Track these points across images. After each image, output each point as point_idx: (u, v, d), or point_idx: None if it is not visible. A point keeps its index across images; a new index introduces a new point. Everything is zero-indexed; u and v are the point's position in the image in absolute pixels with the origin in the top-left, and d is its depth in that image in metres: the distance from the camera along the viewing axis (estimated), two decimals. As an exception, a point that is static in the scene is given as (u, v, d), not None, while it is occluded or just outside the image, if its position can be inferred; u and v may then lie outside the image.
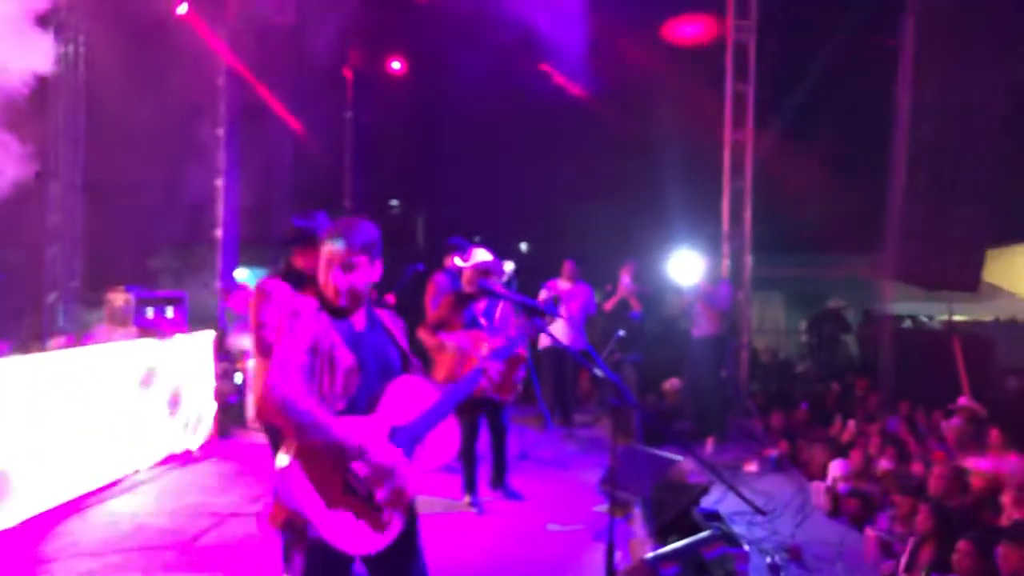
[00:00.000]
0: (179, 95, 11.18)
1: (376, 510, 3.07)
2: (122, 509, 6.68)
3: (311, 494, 2.96)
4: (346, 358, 3.09)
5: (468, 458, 6.79)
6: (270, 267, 11.29)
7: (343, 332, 3.13)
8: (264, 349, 4.89)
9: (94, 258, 11.12)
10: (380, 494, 3.07)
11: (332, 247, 3.13)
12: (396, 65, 14.95)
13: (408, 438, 3.15)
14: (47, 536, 6.00)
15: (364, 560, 3.18)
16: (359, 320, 3.21)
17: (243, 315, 9.78)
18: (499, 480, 7.14)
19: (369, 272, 3.17)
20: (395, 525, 3.12)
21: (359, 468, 3.03)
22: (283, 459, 3.00)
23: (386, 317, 3.35)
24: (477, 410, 6.72)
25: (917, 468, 7.17)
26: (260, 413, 3.09)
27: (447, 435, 3.28)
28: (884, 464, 7.45)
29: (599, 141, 14.67)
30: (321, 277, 3.16)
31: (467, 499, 6.80)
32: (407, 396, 3.19)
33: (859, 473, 7.32)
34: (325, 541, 2.99)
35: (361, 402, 3.12)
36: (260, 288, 5.08)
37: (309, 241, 4.93)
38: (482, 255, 6.66)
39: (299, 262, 5.10)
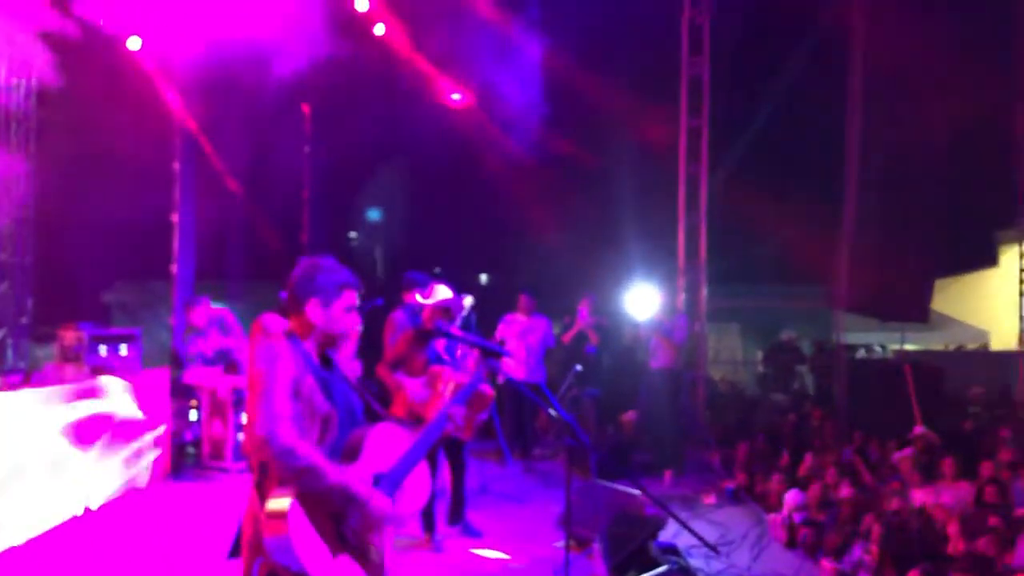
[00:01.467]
0: (133, 128, 11.12)
1: (365, 561, 3.03)
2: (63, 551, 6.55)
3: (314, 545, 2.88)
4: (322, 404, 3.04)
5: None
6: (226, 302, 11.20)
7: (317, 376, 3.08)
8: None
9: (45, 293, 10.95)
10: (373, 542, 3.04)
11: (353, 292, 3.15)
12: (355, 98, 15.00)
13: (390, 485, 3.11)
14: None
15: None
16: (325, 363, 3.18)
17: (202, 329, 9.64)
18: (457, 516, 7.10)
19: (330, 314, 3.16)
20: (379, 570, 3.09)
21: (354, 517, 2.98)
22: (278, 507, 2.88)
23: (340, 361, 3.31)
24: (435, 447, 6.70)
25: (880, 500, 7.24)
26: (256, 457, 2.98)
27: (420, 480, 3.26)
28: (845, 493, 7.51)
29: (556, 175, 14.79)
30: (343, 323, 3.14)
31: (427, 536, 6.75)
32: (385, 443, 3.15)
33: (816, 504, 7.38)
34: None
35: (336, 450, 3.05)
36: (263, 326, 4.83)
37: None
38: (443, 292, 6.66)
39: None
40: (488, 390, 6.27)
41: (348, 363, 3.36)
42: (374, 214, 17.11)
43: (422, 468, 3.26)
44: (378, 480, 3.08)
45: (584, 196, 14.55)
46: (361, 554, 3.03)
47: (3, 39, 8.58)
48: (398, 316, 7.29)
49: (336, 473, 2.91)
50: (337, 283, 3.14)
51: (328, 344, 3.19)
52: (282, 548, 2.85)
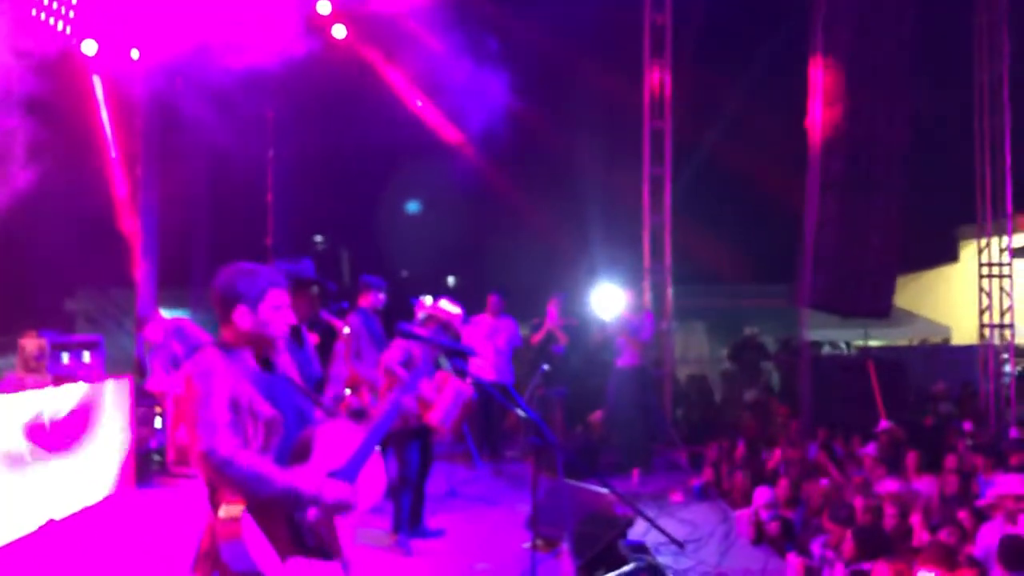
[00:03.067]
0: (95, 134, 10.99)
1: (325, 558, 3.02)
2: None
3: (267, 550, 2.88)
4: (265, 409, 3.02)
5: (401, 493, 6.74)
6: (189, 308, 11.11)
7: (257, 382, 3.06)
8: None
9: (5, 300, 10.78)
10: (333, 539, 3.04)
11: (278, 290, 3.14)
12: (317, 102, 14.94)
13: (345, 481, 3.09)
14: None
15: None
16: (265, 365, 3.15)
17: (159, 344, 9.55)
18: (416, 518, 7.05)
19: (260, 318, 3.14)
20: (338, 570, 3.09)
21: (311, 515, 2.97)
22: (230, 514, 2.87)
23: (281, 362, 3.27)
24: (410, 440, 6.69)
25: (848, 495, 7.32)
26: (202, 472, 2.95)
27: (374, 475, 3.24)
28: (818, 489, 7.58)
29: (521, 175, 14.82)
30: (274, 324, 3.13)
31: (395, 537, 6.74)
32: (335, 440, 3.13)
33: (784, 500, 7.45)
34: None
35: (284, 453, 3.04)
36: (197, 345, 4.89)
37: (299, 286, 4.69)
38: (448, 306, 6.75)
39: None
40: (467, 388, 6.34)
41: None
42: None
43: (376, 461, 3.24)
44: (332, 477, 3.06)
45: (550, 198, 14.59)
46: (322, 553, 3.02)
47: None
48: (352, 320, 7.26)
49: (282, 477, 2.89)
50: (260, 285, 3.12)
51: (265, 347, 3.16)
52: (238, 554, 2.84)
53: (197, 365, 2.99)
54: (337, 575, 3.09)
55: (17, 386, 7.80)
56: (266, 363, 3.17)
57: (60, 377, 8.07)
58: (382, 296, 7.42)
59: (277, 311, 3.14)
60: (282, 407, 3.08)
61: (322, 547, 3.02)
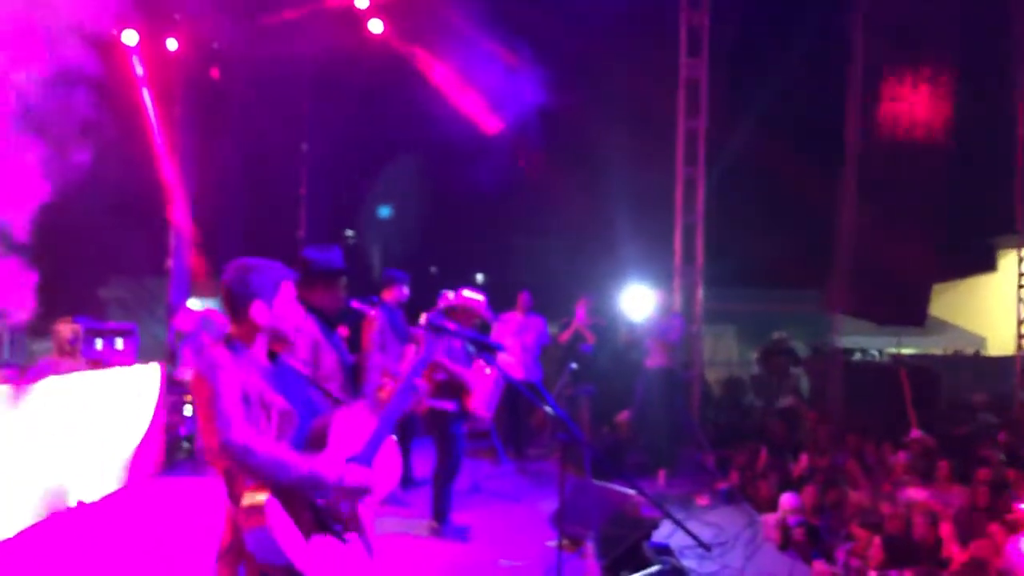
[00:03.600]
0: (130, 124, 11.08)
1: (348, 541, 3.05)
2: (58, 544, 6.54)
3: (293, 535, 2.89)
4: (277, 401, 3.05)
5: (443, 483, 6.80)
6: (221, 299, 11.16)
7: (267, 376, 3.08)
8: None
9: (42, 287, 10.91)
10: (356, 522, 3.07)
11: (290, 283, 3.16)
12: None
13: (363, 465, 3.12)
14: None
15: None
16: (270, 359, 3.18)
17: (189, 333, 9.63)
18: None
19: (276, 313, 3.16)
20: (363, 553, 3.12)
21: (333, 500, 3.00)
22: (254, 502, 2.86)
23: (287, 357, 3.32)
24: (453, 430, 6.75)
25: (875, 502, 7.23)
26: (219, 465, 2.99)
27: (390, 460, 3.25)
28: (840, 496, 7.50)
29: (552, 174, 14.79)
30: (289, 317, 3.15)
31: (435, 526, 6.78)
32: (350, 426, 3.16)
33: (812, 508, 7.38)
34: None
35: (300, 442, 3.08)
36: (203, 345, 4.87)
37: (327, 276, 4.60)
38: (471, 295, 6.75)
39: (319, 300, 4.54)
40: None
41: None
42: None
43: (391, 446, 3.26)
44: (351, 462, 3.08)
45: (581, 196, 14.54)
46: (345, 537, 3.05)
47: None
48: (376, 314, 7.28)
49: (303, 462, 2.92)
50: (273, 280, 3.15)
51: (279, 341, 3.18)
52: (263, 542, 2.84)
53: (205, 363, 3.00)
54: (361, 557, 3.11)
55: (52, 370, 7.91)
56: (272, 356, 3.19)
57: (93, 362, 8.17)
58: (406, 290, 7.44)
59: (289, 304, 3.19)
60: (293, 399, 3.11)
61: (345, 530, 3.05)
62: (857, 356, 14.52)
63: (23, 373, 8.71)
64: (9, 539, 6.39)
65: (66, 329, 8.29)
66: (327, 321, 4.54)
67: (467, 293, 6.89)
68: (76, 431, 7.35)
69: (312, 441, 3.11)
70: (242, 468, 2.87)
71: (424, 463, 7.37)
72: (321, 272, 4.57)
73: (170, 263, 11.83)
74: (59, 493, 7.09)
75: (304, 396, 3.20)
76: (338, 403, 3.32)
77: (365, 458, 3.13)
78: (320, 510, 2.99)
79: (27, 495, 6.66)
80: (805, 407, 11.99)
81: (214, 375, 2.95)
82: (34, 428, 6.76)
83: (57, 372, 7.78)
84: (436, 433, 6.84)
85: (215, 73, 11.70)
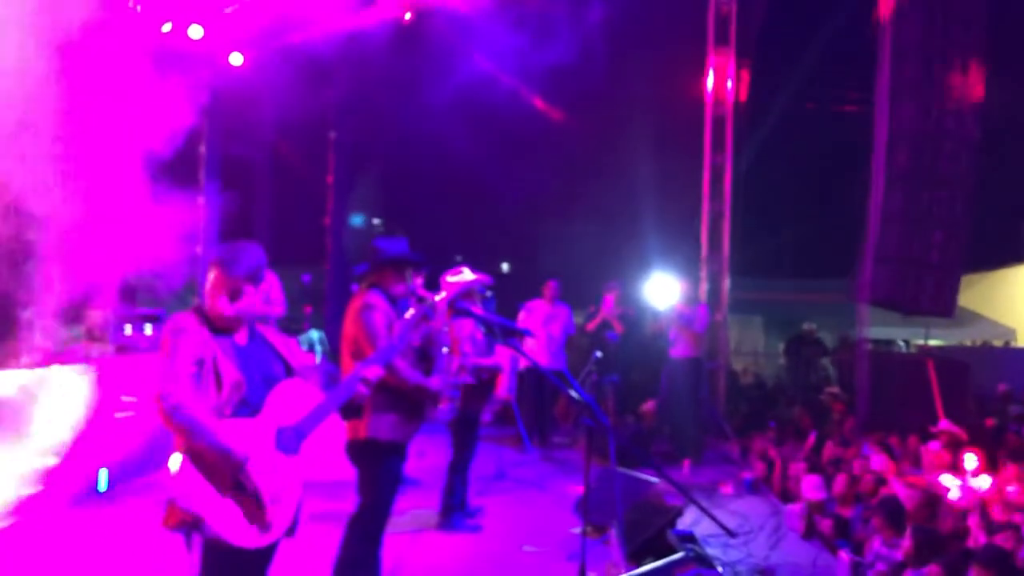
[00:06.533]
0: (157, 111, 11.13)
1: (261, 508, 3.26)
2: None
3: (203, 489, 3.16)
4: (231, 372, 3.30)
5: (455, 475, 6.82)
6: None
7: (225, 347, 3.35)
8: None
9: (72, 274, 11.02)
10: (265, 493, 3.27)
11: (215, 274, 3.38)
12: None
13: (294, 437, 3.39)
14: None
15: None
16: (241, 336, 3.45)
17: None
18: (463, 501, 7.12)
19: (254, 298, 3.41)
20: (279, 525, 3.33)
21: (246, 466, 3.23)
22: (175, 460, 3.19)
23: (268, 332, 3.59)
24: (471, 421, 6.79)
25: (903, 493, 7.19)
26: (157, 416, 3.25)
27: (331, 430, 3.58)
28: (868, 486, 7.46)
29: (578, 163, 14.77)
30: (208, 301, 3.38)
31: (446, 518, 6.80)
32: (291, 398, 3.42)
33: (840, 497, 7.34)
34: (220, 537, 3.17)
35: (246, 410, 3.32)
36: (366, 301, 4.89)
37: (395, 264, 4.91)
38: (467, 274, 6.68)
39: (389, 285, 4.90)
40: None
41: None
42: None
43: (335, 424, 3.63)
44: (280, 433, 3.35)
45: (607, 185, 14.52)
46: (258, 501, 3.26)
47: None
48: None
49: (219, 434, 3.16)
50: (260, 264, 3.45)
51: (261, 319, 3.54)
52: (184, 495, 3.15)
53: (173, 323, 3.33)
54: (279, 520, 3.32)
55: (82, 355, 7.99)
56: (251, 332, 3.50)
57: (122, 347, 8.25)
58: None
59: (271, 287, 3.42)
60: (249, 369, 3.36)
61: (258, 495, 3.25)
62: (884, 348, 14.43)
63: (54, 358, 8.83)
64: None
65: (96, 314, 8.37)
66: (396, 305, 4.82)
67: (465, 274, 6.70)
68: (105, 412, 7.44)
69: (251, 407, 3.34)
70: (167, 422, 3.13)
71: (414, 461, 7.34)
72: (390, 260, 4.92)
73: (199, 250, 11.91)
74: (86, 475, 7.19)
75: (265, 369, 3.45)
76: (291, 374, 3.54)
77: (302, 430, 3.41)
78: (236, 473, 3.21)
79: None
80: (844, 397, 11.86)
81: (176, 337, 3.26)
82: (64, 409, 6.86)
83: (87, 357, 7.87)
84: (457, 424, 6.82)
85: (244, 59, 11.73)
